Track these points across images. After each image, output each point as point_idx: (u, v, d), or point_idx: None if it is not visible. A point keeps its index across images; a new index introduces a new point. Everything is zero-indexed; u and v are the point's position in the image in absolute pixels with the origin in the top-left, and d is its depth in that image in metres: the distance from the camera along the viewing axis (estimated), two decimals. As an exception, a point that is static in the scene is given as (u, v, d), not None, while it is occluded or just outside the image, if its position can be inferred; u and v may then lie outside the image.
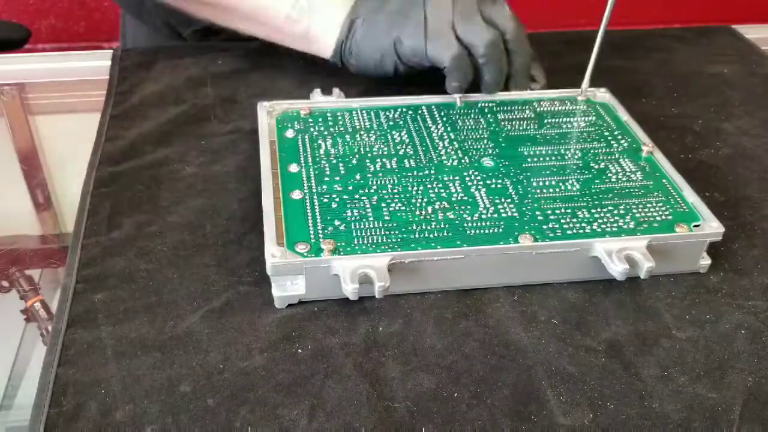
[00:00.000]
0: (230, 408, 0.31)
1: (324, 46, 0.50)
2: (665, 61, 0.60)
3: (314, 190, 0.39)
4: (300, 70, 0.55)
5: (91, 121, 0.51)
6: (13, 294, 0.56)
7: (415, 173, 0.41)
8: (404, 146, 0.43)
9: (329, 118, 0.46)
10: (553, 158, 0.43)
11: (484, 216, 0.38)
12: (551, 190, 0.40)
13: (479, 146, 0.44)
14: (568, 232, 0.37)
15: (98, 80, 0.56)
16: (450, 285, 0.37)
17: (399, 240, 0.36)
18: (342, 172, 0.41)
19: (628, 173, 0.41)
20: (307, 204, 0.38)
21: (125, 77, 0.55)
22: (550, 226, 0.37)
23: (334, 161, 0.42)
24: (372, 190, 0.40)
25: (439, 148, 0.43)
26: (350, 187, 0.40)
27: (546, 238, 0.37)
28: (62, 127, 0.68)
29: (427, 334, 0.35)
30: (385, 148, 0.43)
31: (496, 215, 0.38)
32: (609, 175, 0.41)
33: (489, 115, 0.47)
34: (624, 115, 0.47)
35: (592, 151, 0.43)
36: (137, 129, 0.49)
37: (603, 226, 0.37)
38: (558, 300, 0.37)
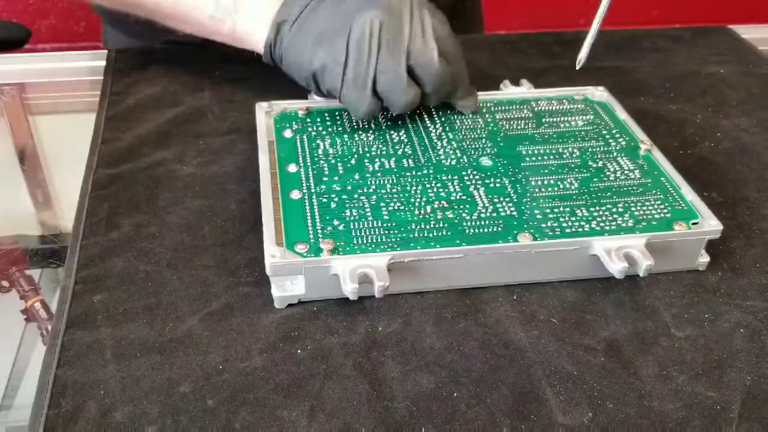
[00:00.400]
0: (230, 409, 0.31)
1: (255, 47, 0.47)
2: (662, 61, 0.60)
3: (313, 190, 0.39)
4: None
5: (91, 122, 0.51)
6: (13, 294, 0.56)
7: (413, 173, 0.41)
8: (403, 146, 0.43)
9: (327, 118, 0.46)
10: (552, 157, 0.43)
11: (483, 215, 0.38)
12: (550, 189, 0.40)
13: (478, 146, 0.44)
14: (567, 230, 0.37)
15: (98, 80, 0.56)
16: (449, 284, 0.37)
17: (398, 239, 0.36)
18: (341, 171, 0.41)
19: (626, 171, 0.41)
20: (306, 204, 0.38)
21: (120, 78, 0.55)
22: (549, 224, 0.37)
23: (333, 161, 0.42)
24: (371, 190, 0.40)
25: (438, 148, 0.43)
26: (349, 187, 0.40)
27: (545, 236, 0.37)
28: (62, 127, 0.68)
29: (426, 333, 0.35)
30: (384, 148, 0.43)
31: (495, 214, 0.38)
32: (607, 173, 0.41)
33: (487, 115, 0.47)
34: (622, 114, 0.47)
35: (590, 150, 0.43)
36: (135, 130, 0.49)
37: (602, 224, 0.37)
38: (557, 299, 0.37)
